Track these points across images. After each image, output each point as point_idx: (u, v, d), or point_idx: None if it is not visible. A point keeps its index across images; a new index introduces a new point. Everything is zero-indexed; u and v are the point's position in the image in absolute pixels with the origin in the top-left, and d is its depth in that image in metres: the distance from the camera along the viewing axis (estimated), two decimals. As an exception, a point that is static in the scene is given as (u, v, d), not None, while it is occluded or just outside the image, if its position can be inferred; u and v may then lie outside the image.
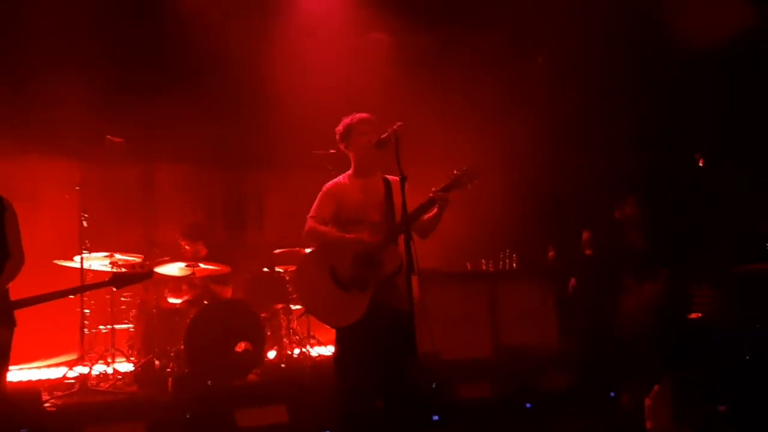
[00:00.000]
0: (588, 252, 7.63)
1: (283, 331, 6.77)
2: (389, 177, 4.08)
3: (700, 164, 6.59)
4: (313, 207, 4.13)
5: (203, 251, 6.67)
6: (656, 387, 5.00)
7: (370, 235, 3.91)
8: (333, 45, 7.99)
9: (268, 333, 6.34)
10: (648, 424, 4.94)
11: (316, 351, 6.94)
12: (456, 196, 3.97)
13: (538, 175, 8.41)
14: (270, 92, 7.61)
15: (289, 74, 7.65)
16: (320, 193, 4.16)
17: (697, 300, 6.49)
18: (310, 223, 4.08)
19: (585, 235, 7.70)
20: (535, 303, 7.18)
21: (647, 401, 5.02)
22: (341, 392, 4.03)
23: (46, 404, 5.13)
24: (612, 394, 6.18)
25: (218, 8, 7.54)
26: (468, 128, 7.88)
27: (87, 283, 5.17)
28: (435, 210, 3.92)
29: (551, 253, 7.97)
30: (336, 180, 4.21)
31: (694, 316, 6.43)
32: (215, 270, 6.32)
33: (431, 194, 3.87)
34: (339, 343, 4.04)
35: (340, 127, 4.19)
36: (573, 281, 7.65)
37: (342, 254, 3.94)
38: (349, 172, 4.21)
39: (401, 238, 3.71)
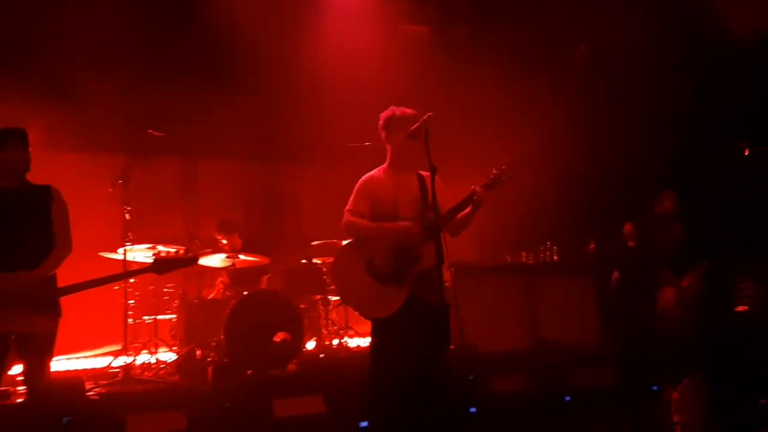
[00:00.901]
0: (631, 244, 7.52)
1: (321, 322, 6.82)
2: (422, 173, 4.07)
3: (746, 154, 6.41)
4: (350, 200, 4.14)
5: (239, 243, 6.79)
6: (685, 380, 4.91)
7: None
8: (369, 38, 7.99)
9: (306, 324, 6.39)
10: (675, 418, 4.86)
11: (354, 342, 6.97)
12: (493, 194, 3.97)
13: (578, 166, 8.28)
14: (308, 86, 7.68)
15: (326, 68, 7.70)
16: (356, 187, 4.17)
17: (743, 293, 6.35)
18: (347, 216, 4.10)
19: (627, 227, 7.60)
20: (574, 296, 7.08)
21: (674, 395, 4.94)
22: (377, 384, 4.05)
23: (89, 393, 5.23)
24: (655, 388, 6.08)
25: (258, 3, 7.62)
26: (507, 120, 7.81)
27: (129, 271, 5.25)
28: (469, 208, 3.91)
29: (592, 246, 7.86)
30: (371, 174, 4.21)
31: (740, 309, 6.30)
32: (254, 261, 6.40)
33: (471, 192, 3.86)
34: (375, 335, 4.06)
35: (381, 120, 4.19)
36: (616, 274, 7.55)
37: (379, 247, 3.96)
38: (384, 165, 4.21)
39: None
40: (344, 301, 4.13)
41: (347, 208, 4.13)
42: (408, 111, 4.13)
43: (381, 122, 4.20)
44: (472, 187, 3.90)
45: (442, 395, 3.95)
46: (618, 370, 6.26)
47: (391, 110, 4.16)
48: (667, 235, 6.77)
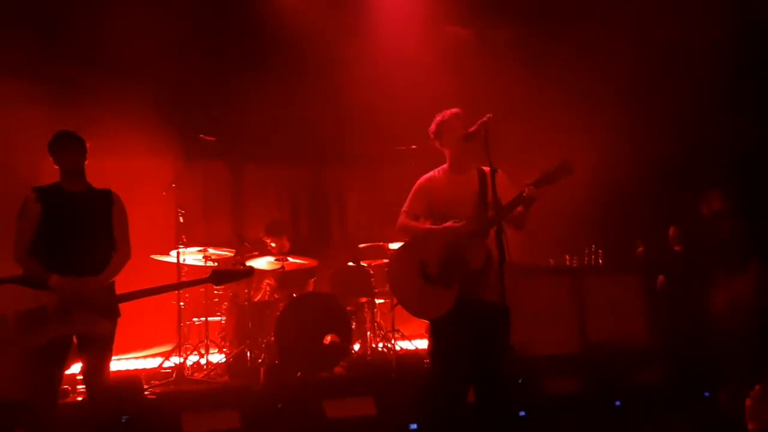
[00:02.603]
0: (677, 248, 7.42)
1: (368, 325, 6.84)
2: (484, 168, 4.06)
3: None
4: (406, 201, 4.18)
5: (287, 246, 6.85)
6: (758, 386, 4.80)
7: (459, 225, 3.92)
8: (415, 40, 8.01)
9: (354, 326, 6.42)
10: (750, 426, 4.74)
11: (400, 345, 6.98)
12: (545, 190, 3.94)
13: (624, 169, 8.19)
14: (354, 90, 7.72)
15: (372, 70, 7.74)
16: (413, 188, 4.20)
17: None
18: (401, 217, 4.14)
19: (672, 230, 7.49)
20: (623, 299, 6.99)
21: (748, 401, 4.83)
22: (432, 384, 4.06)
23: (147, 392, 5.34)
24: (707, 393, 5.98)
25: (305, 11, 7.70)
26: (554, 122, 7.77)
27: (189, 280, 5.32)
28: (526, 204, 3.89)
29: (640, 249, 7.77)
30: (430, 174, 4.23)
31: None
32: (303, 264, 6.46)
33: (521, 190, 3.85)
34: (432, 336, 4.07)
35: (432, 126, 4.22)
36: (661, 278, 7.45)
37: (431, 249, 3.97)
38: (445, 166, 4.22)
39: (492, 232, 3.71)
40: (399, 301, 4.14)
41: (402, 209, 4.17)
42: (452, 110, 4.17)
43: (431, 134, 4.23)
44: (525, 183, 3.88)
45: (497, 398, 3.93)
46: (670, 375, 6.18)
47: (436, 119, 4.19)
48: (716, 237, 6.66)
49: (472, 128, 3.90)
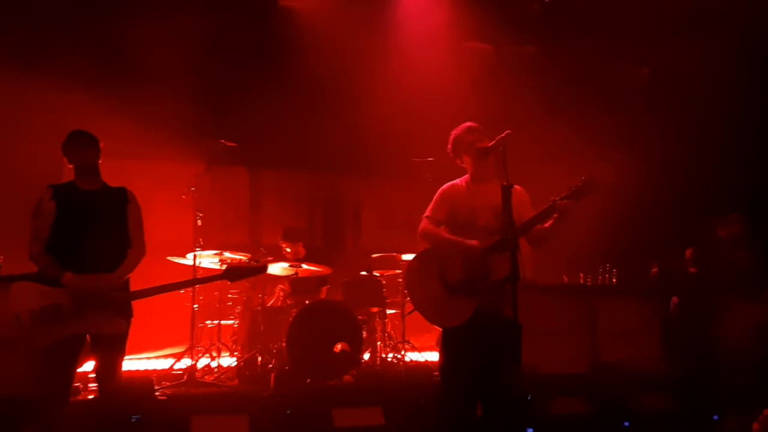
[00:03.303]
0: (692, 270, 7.38)
1: (378, 335, 6.86)
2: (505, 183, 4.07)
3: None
4: (429, 207, 4.20)
5: (302, 252, 6.90)
6: (766, 411, 4.76)
7: (482, 240, 3.93)
8: (433, 54, 8.06)
9: (365, 335, 6.44)
10: (756, 449, 4.70)
11: (410, 356, 6.98)
12: (578, 206, 3.91)
13: (641, 188, 8.17)
14: (372, 101, 7.77)
15: (392, 83, 7.79)
16: (436, 195, 4.22)
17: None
18: (424, 222, 4.16)
19: (688, 252, 7.45)
20: (636, 320, 6.96)
21: (755, 426, 4.79)
22: (443, 396, 4.06)
23: (158, 393, 5.38)
24: (716, 417, 5.93)
25: (324, 21, 7.79)
26: (570, 139, 7.77)
27: (202, 276, 5.37)
28: (552, 219, 3.87)
29: (654, 270, 7.73)
30: (453, 182, 4.25)
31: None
32: (317, 271, 6.50)
33: (552, 202, 3.85)
34: (444, 347, 4.06)
35: (449, 143, 4.27)
36: (675, 300, 7.41)
37: (452, 257, 3.99)
38: (467, 177, 4.25)
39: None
40: (415, 307, 4.15)
41: (425, 214, 4.19)
42: (467, 124, 4.21)
43: (449, 152, 4.28)
44: (552, 198, 3.87)
45: (506, 413, 3.92)
46: (679, 397, 6.14)
47: (452, 135, 4.24)
48: (733, 260, 6.61)
49: (491, 143, 3.93)
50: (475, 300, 3.88)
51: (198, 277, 6.13)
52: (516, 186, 3.84)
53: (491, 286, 3.87)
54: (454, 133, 4.24)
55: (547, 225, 3.92)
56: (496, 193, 4.03)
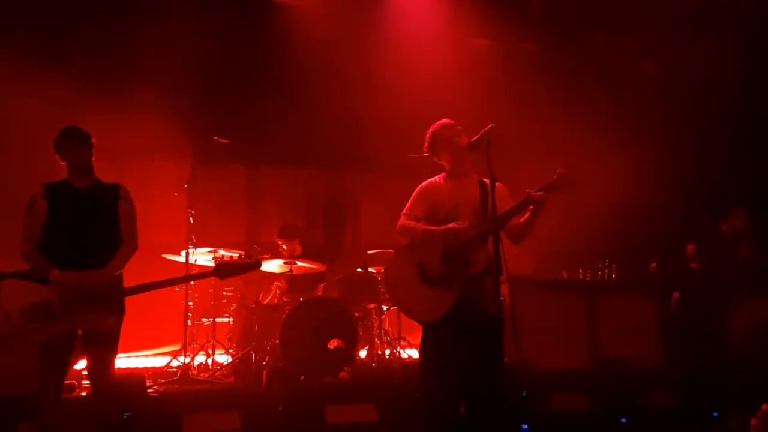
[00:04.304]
0: (694, 265, 7.30)
1: (375, 332, 6.83)
2: (485, 180, 4.07)
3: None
4: (407, 204, 4.22)
5: (298, 250, 6.88)
6: (764, 406, 4.71)
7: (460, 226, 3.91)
8: (433, 50, 8.03)
9: (360, 332, 6.42)
10: (754, 446, 4.65)
11: (407, 353, 6.96)
12: (552, 200, 3.90)
13: (641, 183, 8.10)
14: (370, 97, 7.76)
15: (390, 78, 7.77)
16: (415, 192, 4.23)
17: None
18: (402, 219, 4.17)
19: (690, 247, 7.37)
20: (636, 316, 6.87)
21: (753, 421, 4.74)
22: (424, 393, 4.04)
23: (150, 390, 5.40)
24: (716, 414, 5.86)
25: (321, 16, 7.78)
26: (571, 135, 7.71)
27: (192, 273, 5.36)
28: (529, 212, 3.87)
29: (653, 265, 7.65)
30: (431, 180, 4.27)
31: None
32: (311, 268, 6.48)
33: (527, 194, 3.82)
34: (424, 343, 4.06)
35: (426, 140, 4.29)
36: (676, 295, 7.34)
37: (431, 251, 3.98)
38: (444, 174, 4.25)
39: (491, 241, 3.69)
40: (393, 302, 4.14)
41: (403, 211, 4.20)
42: (443, 121, 4.25)
43: (426, 148, 4.30)
44: (527, 190, 3.86)
45: (491, 409, 3.89)
46: (679, 394, 6.07)
47: (429, 132, 4.27)
48: (736, 255, 6.53)
49: (474, 138, 3.90)
50: (454, 293, 3.86)
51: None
52: (498, 181, 3.81)
53: (470, 279, 3.85)
54: (431, 129, 4.27)
55: (522, 219, 3.91)
56: (475, 189, 4.04)
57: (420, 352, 4.10)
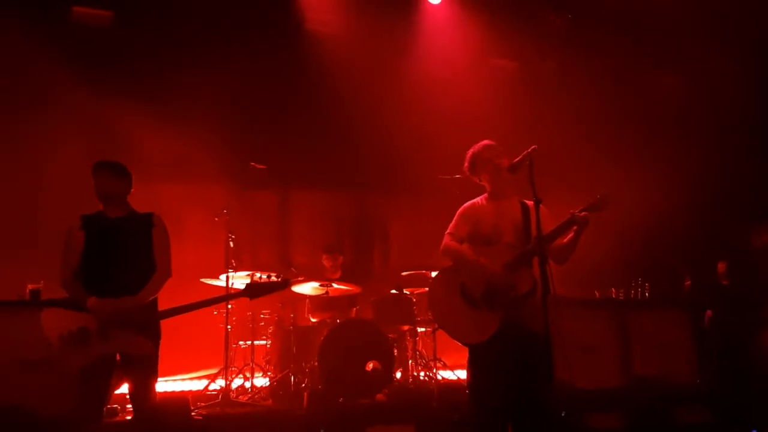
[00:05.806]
0: (725, 283, 7.28)
1: (409, 353, 6.87)
2: (526, 201, 4.13)
3: None
4: (451, 224, 4.25)
5: (338, 271, 7.00)
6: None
7: (503, 256, 3.97)
8: (460, 72, 8.13)
9: (396, 354, 6.46)
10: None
11: (441, 374, 6.97)
12: (592, 221, 3.95)
13: (672, 201, 8.10)
14: (399, 119, 7.86)
15: (419, 100, 7.86)
16: (458, 212, 4.27)
17: None
18: (446, 239, 4.19)
19: (721, 266, 7.35)
20: (670, 334, 6.89)
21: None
22: (473, 415, 4.05)
23: (194, 413, 5.45)
24: (754, 431, 5.83)
25: (350, 42, 7.91)
26: (599, 153, 7.75)
27: (222, 294, 5.42)
28: (572, 232, 3.91)
29: (687, 283, 7.64)
30: (474, 201, 4.31)
31: None
32: (346, 290, 6.55)
33: (571, 215, 3.87)
34: (472, 364, 4.06)
35: (466, 161, 4.33)
36: (709, 313, 7.31)
37: (474, 275, 4.02)
38: (486, 194, 4.30)
39: (536, 261, 3.74)
40: (439, 325, 4.17)
41: (448, 231, 4.23)
42: (484, 142, 4.28)
43: (466, 170, 4.34)
44: (571, 211, 3.91)
45: (541, 429, 3.90)
46: (716, 411, 6.04)
47: (469, 153, 4.30)
48: (766, 272, 6.52)
49: (516, 159, 3.96)
50: (499, 314, 3.89)
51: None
52: (541, 202, 3.86)
53: (515, 300, 3.89)
54: (471, 150, 4.30)
55: (566, 240, 3.95)
56: (516, 210, 4.08)
57: (468, 373, 4.11)
